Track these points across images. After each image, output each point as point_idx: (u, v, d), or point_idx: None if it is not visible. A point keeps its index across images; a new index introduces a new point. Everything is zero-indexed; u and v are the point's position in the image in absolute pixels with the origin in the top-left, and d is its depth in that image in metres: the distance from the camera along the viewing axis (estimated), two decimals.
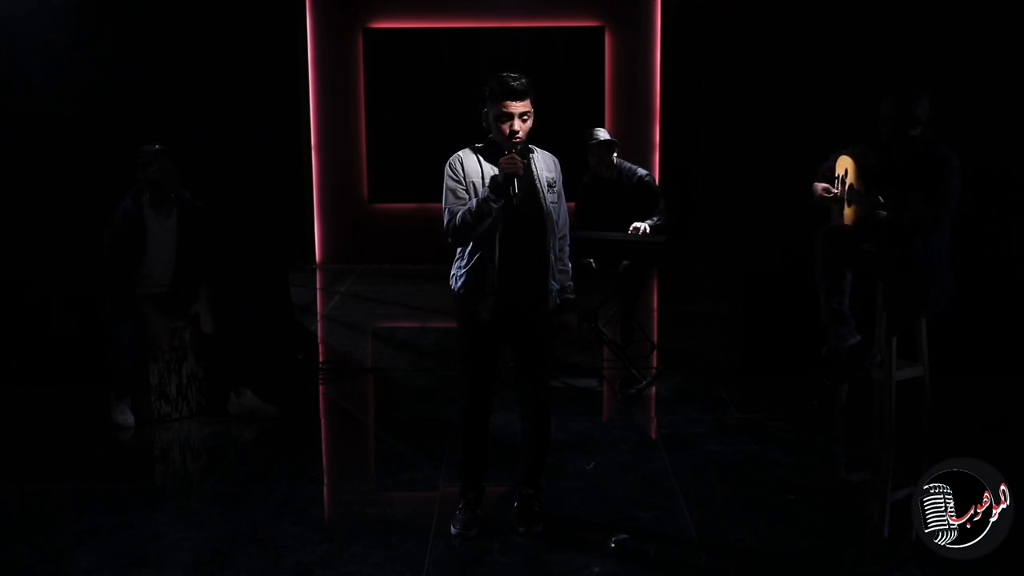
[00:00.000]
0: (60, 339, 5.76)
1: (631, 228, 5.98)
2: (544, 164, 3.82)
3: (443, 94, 9.68)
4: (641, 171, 6.25)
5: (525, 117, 3.68)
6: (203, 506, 4.24)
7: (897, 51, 5.57)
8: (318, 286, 9.12)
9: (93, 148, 5.72)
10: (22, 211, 5.76)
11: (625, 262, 6.12)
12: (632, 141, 9.52)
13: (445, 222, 3.76)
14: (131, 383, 5.22)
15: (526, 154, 3.78)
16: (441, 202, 3.83)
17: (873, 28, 5.65)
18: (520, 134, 3.68)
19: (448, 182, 3.78)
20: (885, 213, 4.52)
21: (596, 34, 9.70)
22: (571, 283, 3.93)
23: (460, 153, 3.81)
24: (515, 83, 3.65)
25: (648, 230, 5.99)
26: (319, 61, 9.67)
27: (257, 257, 6.23)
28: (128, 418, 5.21)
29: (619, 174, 6.22)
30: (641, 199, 6.15)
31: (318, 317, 7.88)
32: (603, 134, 6.18)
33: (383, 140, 9.81)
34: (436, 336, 7.22)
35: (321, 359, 6.61)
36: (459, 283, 3.81)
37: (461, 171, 3.77)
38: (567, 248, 3.92)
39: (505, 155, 3.64)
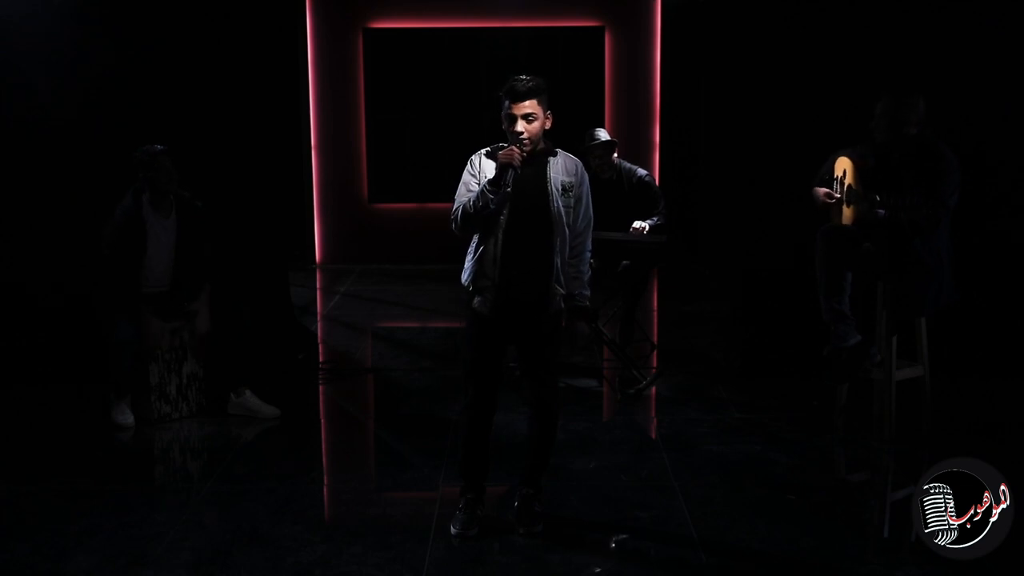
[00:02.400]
0: (60, 339, 5.76)
1: (631, 228, 5.97)
2: (563, 168, 3.83)
3: (443, 94, 9.68)
4: (641, 171, 6.25)
5: (531, 119, 3.72)
6: (203, 506, 4.24)
7: (897, 51, 5.57)
8: (318, 286, 9.12)
9: (93, 148, 5.72)
10: (22, 211, 5.76)
11: (625, 262, 6.12)
12: (632, 141, 9.52)
13: (452, 210, 3.83)
14: (131, 383, 5.22)
15: (545, 155, 3.81)
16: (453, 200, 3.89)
17: (873, 27, 5.65)
18: (525, 135, 3.71)
19: (464, 175, 3.86)
20: (883, 212, 4.53)
21: (596, 34, 9.69)
22: (586, 291, 3.91)
23: (482, 150, 3.87)
24: (519, 85, 3.70)
25: (648, 230, 5.99)
26: (319, 61, 9.67)
27: (257, 257, 6.23)
28: (128, 418, 5.21)
29: (619, 174, 6.21)
30: (641, 199, 6.15)
31: (318, 317, 7.88)
32: (603, 135, 6.18)
33: (383, 140, 9.80)
34: (436, 336, 7.22)
35: (321, 359, 6.61)
36: (465, 275, 3.85)
37: (478, 166, 3.83)
38: (586, 255, 3.90)
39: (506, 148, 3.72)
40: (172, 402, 5.30)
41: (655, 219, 6.08)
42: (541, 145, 3.81)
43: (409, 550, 3.78)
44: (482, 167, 3.81)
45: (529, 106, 3.71)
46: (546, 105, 3.77)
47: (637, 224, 5.99)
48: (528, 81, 3.71)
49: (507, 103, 3.73)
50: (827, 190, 4.85)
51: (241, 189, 6.05)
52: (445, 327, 7.41)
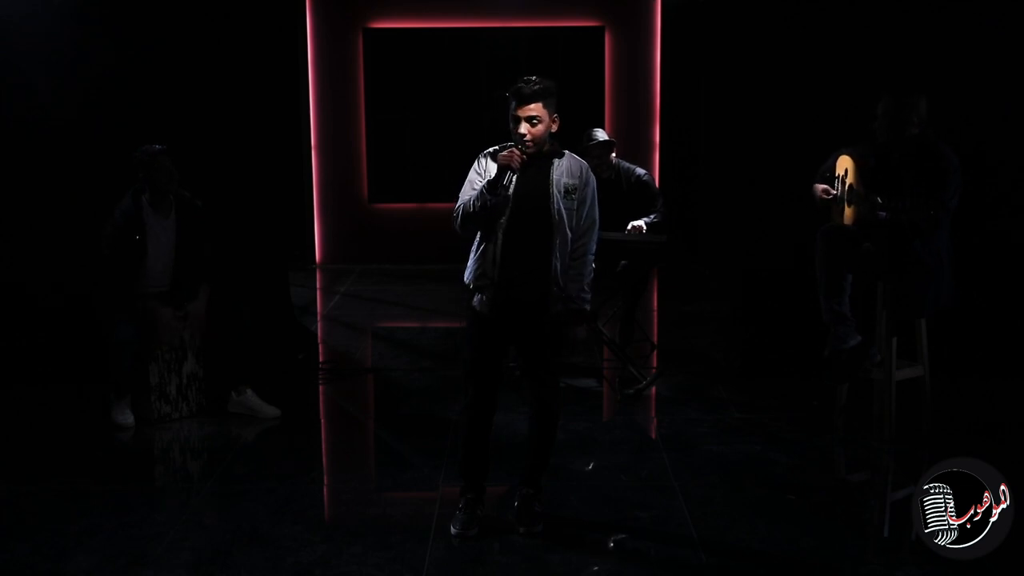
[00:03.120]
0: (60, 339, 5.76)
1: (628, 227, 5.97)
2: (567, 170, 3.81)
3: (443, 94, 9.68)
4: (640, 171, 6.24)
5: (535, 121, 3.71)
6: (203, 506, 4.25)
7: (897, 51, 5.57)
8: (318, 286, 9.12)
9: (93, 148, 5.72)
10: (22, 211, 5.76)
11: (624, 262, 6.12)
12: (632, 141, 9.52)
13: (454, 208, 3.83)
14: (131, 383, 5.22)
15: (551, 156, 3.81)
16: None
17: (873, 27, 5.65)
18: (528, 137, 3.70)
19: (471, 173, 3.86)
20: (884, 215, 4.53)
21: (596, 34, 9.69)
22: (585, 294, 3.87)
23: (490, 149, 3.87)
24: (524, 87, 3.70)
25: (645, 228, 5.98)
26: (319, 61, 9.67)
27: (257, 257, 6.23)
28: (128, 418, 5.21)
29: (618, 174, 6.21)
30: (640, 199, 6.15)
31: (318, 317, 7.88)
32: (602, 135, 6.17)
33: (383, 140, 9.80)
34: (436, 336, 7.22)
35: (321, 359, 6.61)
36: (467, 273, 3.86)
37: (485, 165, 3.83)
38: (588, 257, 3.87)
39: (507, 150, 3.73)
40: (172, 402, 5.30)
41: (652, 216, 6.07)
42: (547, 147, 3.80)
43: (409, 550, 3.78)
44: (487, 168, 3.81)
45: (534, 109, 3.70)
46: (553, 108, 3.75)
47: (634, 223, 5.98)
48: (535, 84, 3.70)
49: (513, 104, 3.72)
50: (825, 186, 4.85)
51: (241, 189, 6.05)
52: (445, 327, 7.41)
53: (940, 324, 5.16)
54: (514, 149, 3.71)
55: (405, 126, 9.78)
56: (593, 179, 3.89)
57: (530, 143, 3.72)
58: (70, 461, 4.76)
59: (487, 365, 3.88)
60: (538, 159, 3.78)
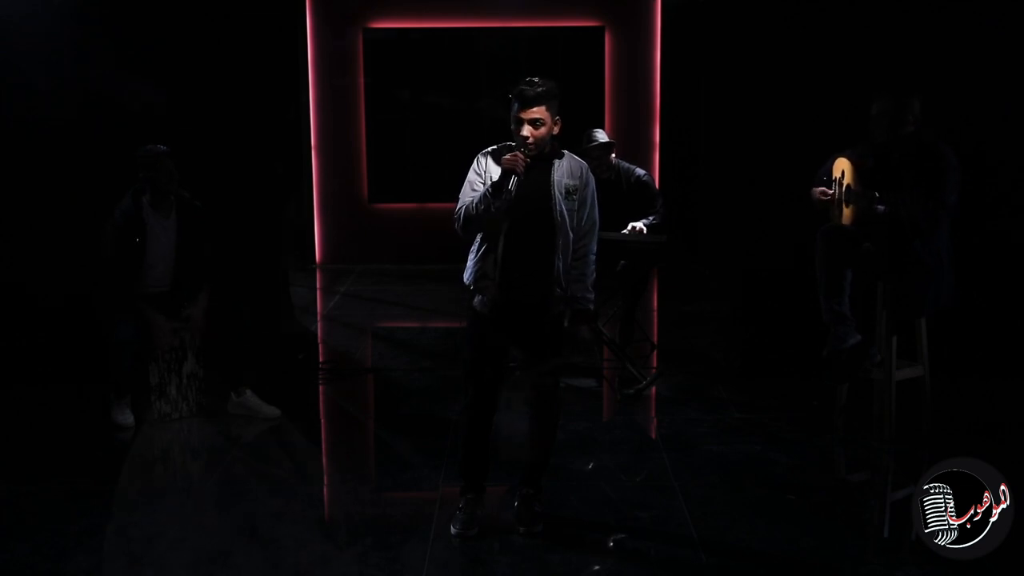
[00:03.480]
0: (60, 339, 5.76)
1: (627, 228, 5.97)
2: (568, 171, 3.81)
3: (443, 94, 9.68)
4: (639, 171, 6.24)
5: (538, 124, 3.70)
6: (203, 506, 4.25)
7: (897, 51, 5.57)
8: (318, 286, 9.12)
9: (93, 148, 5.73)
10: (22, 211, 5.76)
11: (623, 262, 6.12)
12: (632, 141, 9.52)
13: (455, 209, 3.81)
14: (131, 383, 5.22)
15: (551, 157, 3.80)
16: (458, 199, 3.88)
17: (873, 27, 5.65)
18: (530, 140, 3.70)
19: (470, 174, 3.84)
20: (883, 208, 4.53)
21: (596, 34, 9.69)
22: (589, 294, 3.88)
23: (489, 149, 3.85)
24: (528, 90, 3.68)
25: (645, 229, 5.98)
26: (319, 61, 9.67)
27: (257, 257, 6.23)
28: (128, 418, 5.21)
29: (617, 174, 6.21)
30: (640, 199, 6.15)
31: (318, 317, 7.88)
32: (601, 136, 6.17)
33: (383, 140, 9.80)
34: (436, 336, 7.22)
35: (321, 359, 6.61)
36: (467, 273, 3.86)
37: (485, 165, 3.81)
38: (590, 257, 3.87)
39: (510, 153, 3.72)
40: (172, 402, 5.30)
41: (651, 218, 6.07)
42: (547, 148, 3.80)
43: (409, 550, 3.78)
44: (488, 168, 3.80)
45: (537, 112, 3.69)
46: (555, 111, 3.74)
47: (635, 225, 5.98)
48: (538, 86, 3.68)
49: (516, 107, 3.71)
50: (822, 188, 4.87)
51: (241, 189, 6.05)
52: (445, 327, 7.41)
53: (940, 324, 5.16)
54: (518, 153, 3.69)
55: (405, 126, 9.78)
56: (593, 180, 3.89)
57: (532, 146, 3.72)
58: (70, 461, 4.76)
59: (487, 365, 3.88)
60: (539, 161, 3.77)
